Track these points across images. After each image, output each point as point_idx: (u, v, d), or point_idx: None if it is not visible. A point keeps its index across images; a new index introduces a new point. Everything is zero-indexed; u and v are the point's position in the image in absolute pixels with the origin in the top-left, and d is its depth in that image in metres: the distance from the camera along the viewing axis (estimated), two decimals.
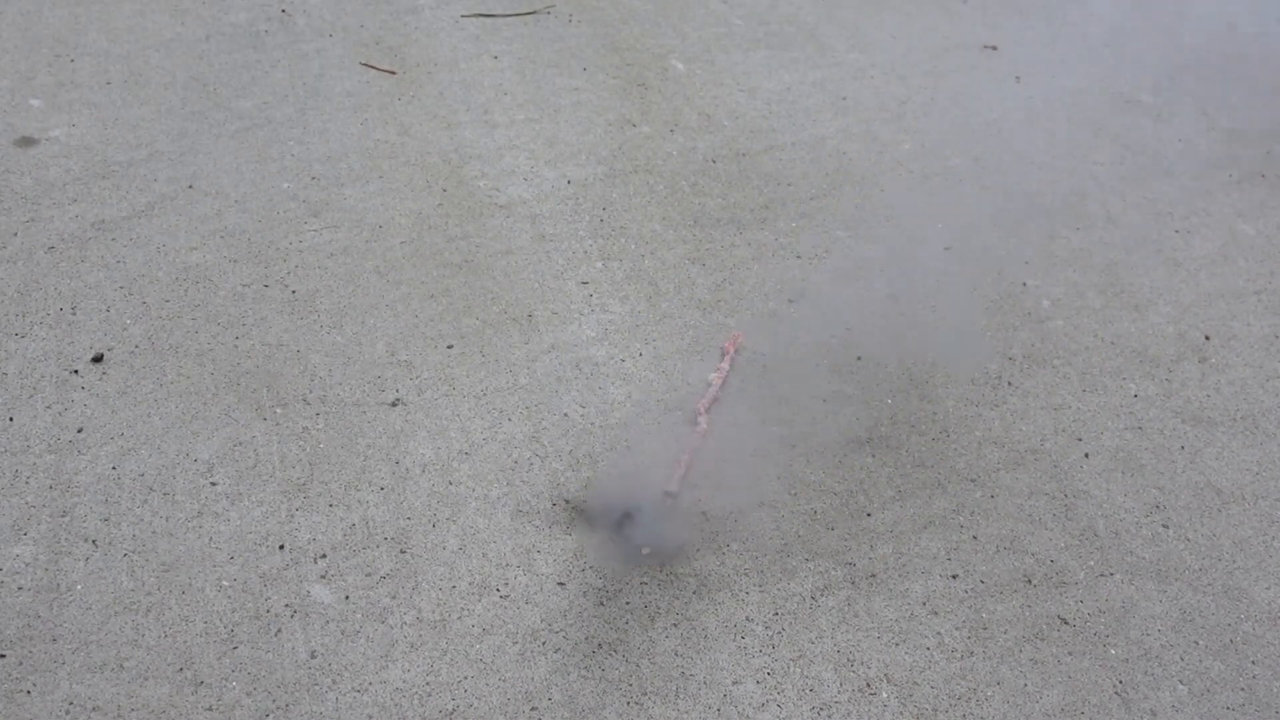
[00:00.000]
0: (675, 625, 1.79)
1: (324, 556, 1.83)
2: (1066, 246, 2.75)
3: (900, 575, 1.91)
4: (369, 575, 1.81)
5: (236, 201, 2.58)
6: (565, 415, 2.13)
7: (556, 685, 1.69)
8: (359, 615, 1.76)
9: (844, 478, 2.08)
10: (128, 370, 2.13)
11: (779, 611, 1.83)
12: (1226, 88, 3.52)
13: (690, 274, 2.53)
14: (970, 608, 1.87)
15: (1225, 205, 2.96)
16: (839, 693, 1.72)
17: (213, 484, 1.93)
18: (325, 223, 2.55)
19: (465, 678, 1.69)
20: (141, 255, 2.40)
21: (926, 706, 1.72)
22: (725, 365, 2.26)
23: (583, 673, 1.71)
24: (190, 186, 2.61)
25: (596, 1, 3.65)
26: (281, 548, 1.84)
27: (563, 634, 1.76)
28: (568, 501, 1.97)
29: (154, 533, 1.84)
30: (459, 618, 1.77)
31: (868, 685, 1.74)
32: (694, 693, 1.70)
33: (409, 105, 3.00)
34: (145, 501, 1.89)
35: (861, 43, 3.57)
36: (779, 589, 1.86)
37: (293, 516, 1.89)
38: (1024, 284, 2.61)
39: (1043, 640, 1.83)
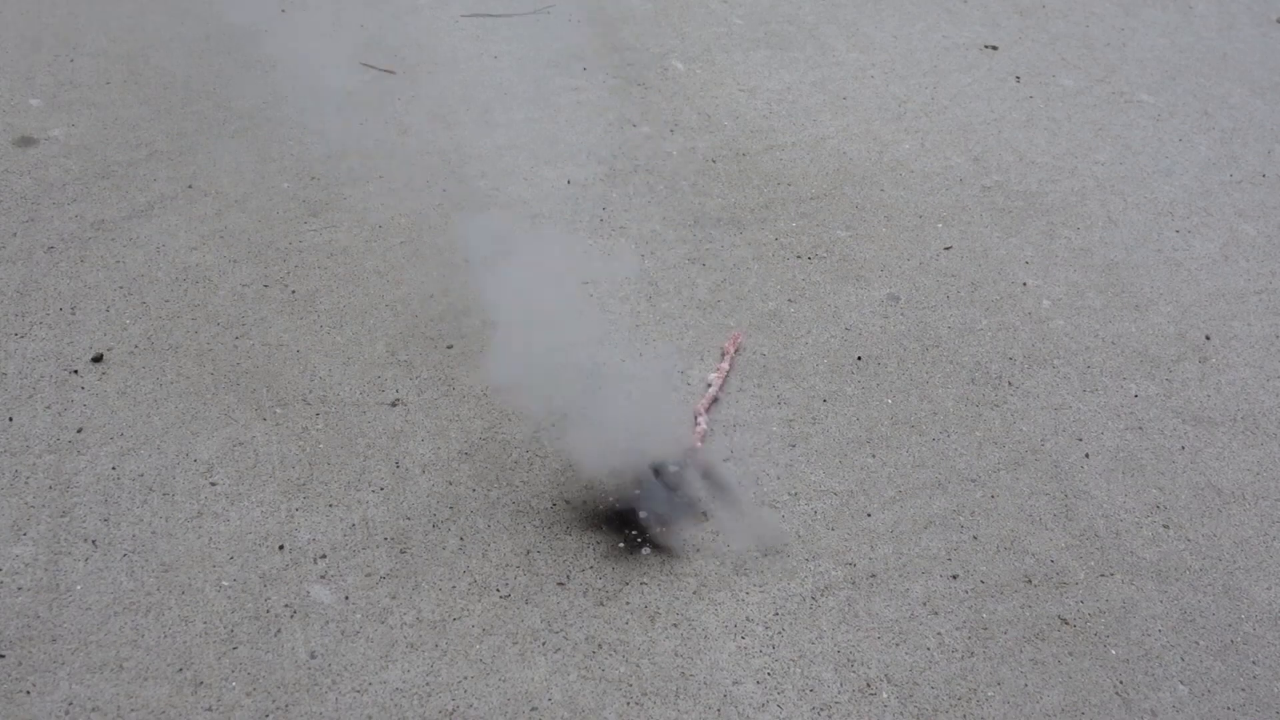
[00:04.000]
0: (675, 625, 1.79)
1: (324, 556, 1.83)
2: (1067, 246, 2.75)
3: (900, 575, 1.91)
4: (369, 575, 1.81)
5: (236, 201, 2.58)
6: (565, 415, 2.13)
7: (556, 685, 1.69)
8: (359, 615, 1.75)
9: (844, 477, 2.08)
10: (128, 370, 2.12)
11: (779, 611, 1.83)
12: (1226, 88, 3.52)
13: (690, 274, 2.53)
14: (970, 608, 1.87)
15: (1226, 205, 2.96)
16: (839, 693, 1.72)
17: (212, 484, 1.93)
18: (325, 223, 2.55)
19: (465, 678, 1.69)
20: (141, 255, 2.40)
21: (927, 707, 1.72)
22: (725, 365, 2.26)
23: (583, 673, 1.71)
24: (190, 186, 2.61)
25: (596, 1, 3.65)
26: (281, 548, 1.84)
27: (563, 634, 1.76)
28: (568, 501, 1.97)
29: (154, 533, 1.84)
30: (459, 618, 1.77)
31: (868, 685, 1.74)
32: (694, 693, 1.70)
33: (409, 105, 3.00)
34: (145, 501, 1.89)
35: (862, 42, 3.57)
36: (779, 589, 1.86)
37: (293, 516, 1.89)
38: (1024, 284, 2.61)
39: (1043, 640, 1.83)
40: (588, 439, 2.08)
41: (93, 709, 1.59)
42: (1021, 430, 2.22)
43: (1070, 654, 1.82)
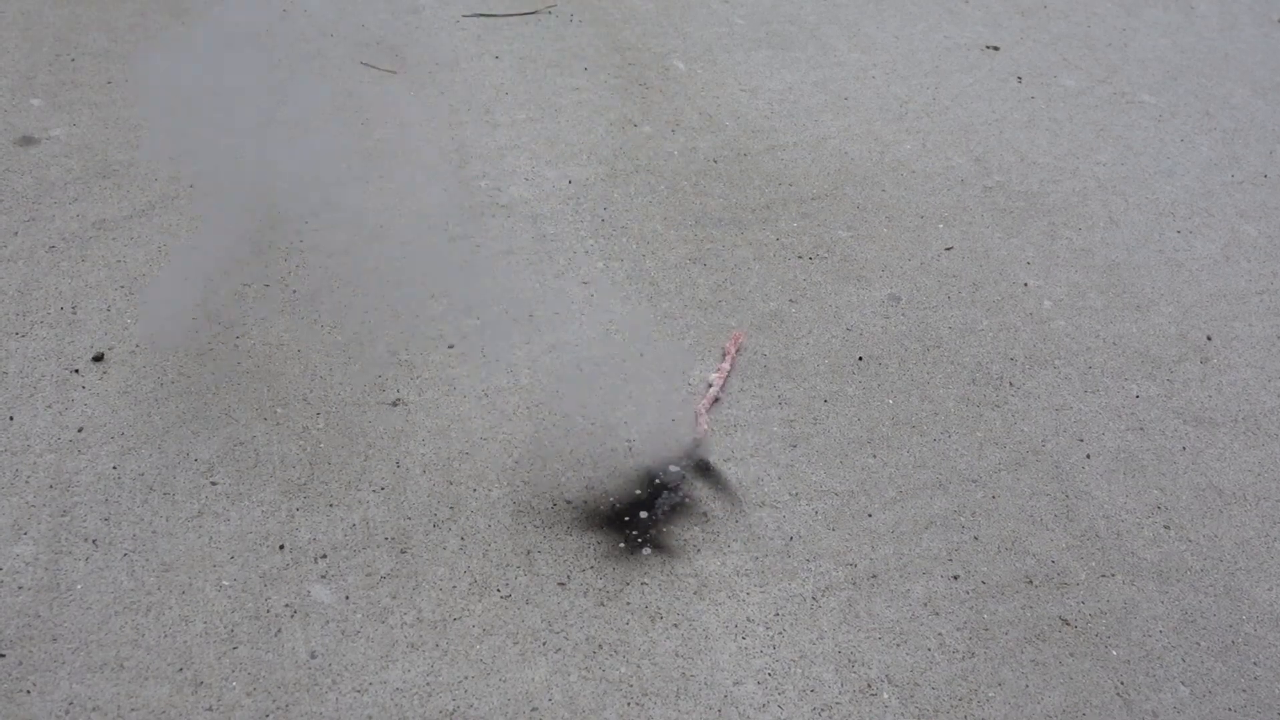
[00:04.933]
0: (676, 625, 1.79)
1: (324, 556, 1.83)
2: (1068, 247, 2.75)
3: (901, 576, 1.91)
4: (369, 575, 1.81)
5: (236, 201, 2.58)
6: (566, 415, 2.13)
7: (556, 685, 1.69)
8: (359, 615, 1.75)
9: (845, 478, 2.07)
10: (128, 370, 2.12)
11: (780, 612, 1.83)
12: (1228, 88, 3.51)
13: (691, 274, 2.53)
14: (971, 608, 1.87)
15: (1227, 205, 2.96)
16: (840, 693, 1.72)
17: (213, 484, 1.93)
18: (325, 223, 2.55)
19: (465, 678, 1.68)
20: (142, 255, 2.40)
21: (928, 707, 1.72)
22: (726, 365, 2.26)
23: (583, 673, 1.71)
24: (190, 186, 2.61)
25: (598, 1, 3.64)
26: (281, 548, 1.84)
27: (563, 634, 1.76)
28: (568, 501, 1.97)
29: (154, 533, 1.84)
30: (459, 618, 1.77)
31: (869, 686, 1.74)
32: (695, 693, 1.70)
33: (409, 105, 3.00)
34: (145, 501, 1.89)
35: (863, 43, 3.57)
36: (779, 589, 1.86)
37: (293, 516, 1.89)
38: (1025, 284, 2.60)
39: (1044, 641, 1.83)
40: (589, 439, 2.08)
41: (93, 709, 1.59)
42: (1022, 431, 2.22)
43: (1071, 655, 1.81)
